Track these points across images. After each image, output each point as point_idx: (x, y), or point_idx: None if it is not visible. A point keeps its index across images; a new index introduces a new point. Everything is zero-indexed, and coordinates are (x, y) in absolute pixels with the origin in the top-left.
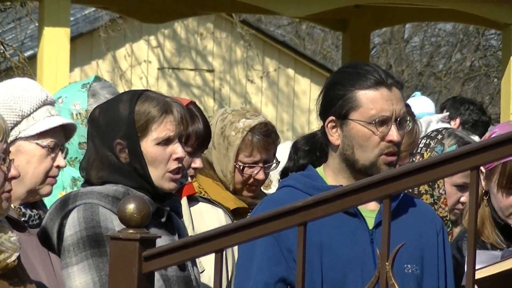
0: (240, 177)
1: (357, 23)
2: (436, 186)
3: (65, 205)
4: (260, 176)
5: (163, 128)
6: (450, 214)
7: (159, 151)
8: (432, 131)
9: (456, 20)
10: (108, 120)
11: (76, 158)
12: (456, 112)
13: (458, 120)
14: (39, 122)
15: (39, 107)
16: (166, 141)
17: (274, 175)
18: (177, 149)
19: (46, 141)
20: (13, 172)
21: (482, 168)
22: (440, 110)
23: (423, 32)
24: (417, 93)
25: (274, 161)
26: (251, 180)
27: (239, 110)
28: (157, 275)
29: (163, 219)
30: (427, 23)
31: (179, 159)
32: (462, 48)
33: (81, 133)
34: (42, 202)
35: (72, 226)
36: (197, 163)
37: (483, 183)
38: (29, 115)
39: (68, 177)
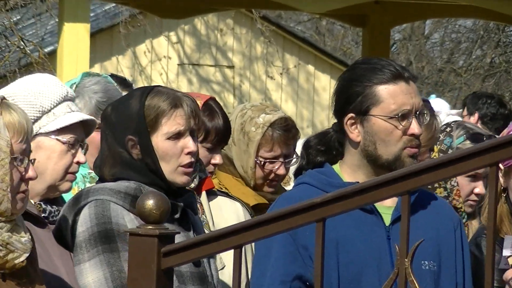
0: (261, 173)
1: (377, 19)
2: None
3: (77, 202)
4: (281, 171)
5: (173, 122)
6: (465, 205)
7: (170, 146)
8: (442, 125)
9: (477, 16)
10: (119, 116)
11: None
12: (474, 107)
13: (476, 115)
14: (60, 118)
15: (59, 103)
16: (177, 135)
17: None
18: (189, 143)
19: (67, 137)
20: (30, 173)
21: (500, 165)
22: (462, 106)
23: (444, 29)
24: (433, 96)
25: (295, 156)
26: (272, 175)
27: (258, 105)
28: None
29: (177, 215)
30: (447, 19)
31: (191, 153)
32: (482, 45)
33: None
34: (62, 198)
35: (84, 222)
36: (217, 159)
37: (501, 180)
38: (50, 110)
39: (78, 176)
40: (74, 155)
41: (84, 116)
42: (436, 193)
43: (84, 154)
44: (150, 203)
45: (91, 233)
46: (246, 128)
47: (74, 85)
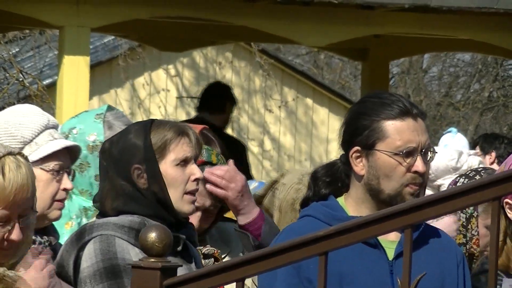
0: None
1: (377, 53)
2: (469, 227)
3: (81, 237)
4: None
5: (180, 149)
6: (481, 255)
7: (179, 172)
8: (471, 171)
9: (475, 50)
10: (121, 149)
11: (87, 191)
12: (491, 147)
13: (493, 154)
14: (42, 146)
15: (40, 132)
16: (184, 162)
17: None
18: (195, 170)
19: (51, 165)
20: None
21: (510, 201)
22: (472, 147)
23: (442, 62)
24: (453, 129)
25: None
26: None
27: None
28: None
29: (179, 248)
30: (445, 53)
31: (197, 180)
32: (480, 79)
33: (97, 165)
34: (53, 228)
35: (89, 258)
36: None
37: (509, 215)
38: (31, 140)
39: (77, 207)
40: (60, 182)
41: (67, 142)
42: (456, 239)
43: (72, 180)
44: (152, 235)
45: (96, 269)
46: (297, 207)
47: (101, 116)
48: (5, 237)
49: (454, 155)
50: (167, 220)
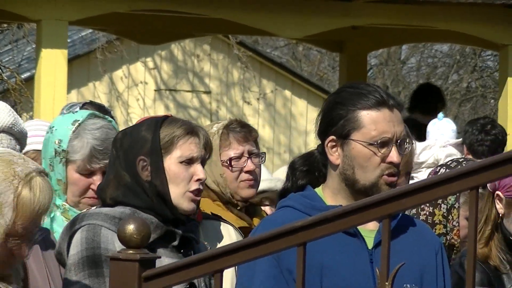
0: (231, 175)
1: (354, 44)
2: (450, 218)
3: (73, 225)
4: (250, 166)
5: (187, 148)
6: (461, 246)
7: (182, 170)
8: (451, 161)
9: (453, 41)
10: (131, 140)
11: (56, 191)
12: (464, 135)
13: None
14: None
15: None
16: (189, 161)
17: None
18: (199, 170)
19: None
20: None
21: (501, 194)
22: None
23: (420, 53)
24: (440, 115)
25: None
26: (242, 174)
27: (208, 124)
28: None
29: (175, 243)
30: (423, 44)
31: (200, 180)
32: (458, 69)
33: (58, 171)
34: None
35: (75, 246)
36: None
37: (498, 207)
38: None
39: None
40: None
41: None
42: (436, 229)
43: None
44: (130, 227)
45: (80, 257)
46: None
47: (77, 123)
48: (14, 251)
49: (416, 149)
50: (164, 215)
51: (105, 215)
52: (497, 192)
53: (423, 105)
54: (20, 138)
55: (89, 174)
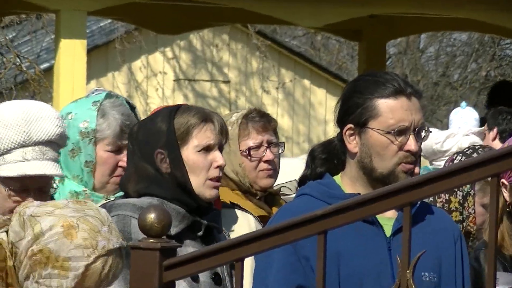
0: (250, 164)
1: (373, 33)
2: (466, 205)
3: None
4: (269, 156)
5: (203, 135)
6: (477, 233)
7: (200, 158)
8: (468, 148)
9: (472, 29)
10: (147, 132)
11: (79, 176)
12: (494, 122)
13: (495, 130)
14: (8, 165)
15: (12, 149)
16: (207, 149)
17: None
18: (218, 157)
19: (10, 184)
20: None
21: (505, 181)
22: (482, 123)
23: (439, 42)
24: (463, 104)
25: (280, 142)
26: (261, 163)
27: (227, 113)
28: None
29: (200, 233)
30: (442, 32)
31: (219, 167)
32: (477, 58)
33: (88, 152)
34: None
35: None
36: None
37: (506, 195)
38: (2, 154)
39: (67, 190)
40: (18, 202)
41: (34, 171)
42: (452, 217)
43: (52, 199)
44: (151, 216)
45: None
46: None
47: (98, 103)
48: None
49: (440, 137)
50: (189, 204)
51: (133, 206)
52: (502, 180)
53: (503, 103)
54: (63, 145)
55: (117, 150)
